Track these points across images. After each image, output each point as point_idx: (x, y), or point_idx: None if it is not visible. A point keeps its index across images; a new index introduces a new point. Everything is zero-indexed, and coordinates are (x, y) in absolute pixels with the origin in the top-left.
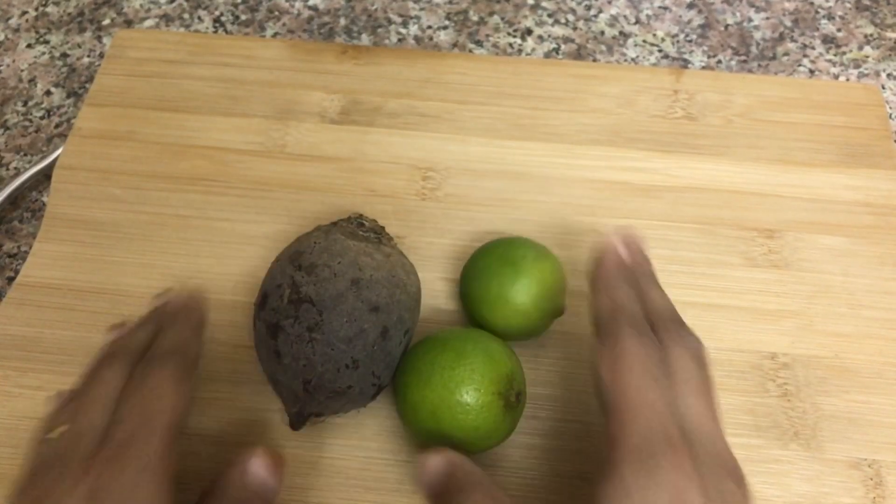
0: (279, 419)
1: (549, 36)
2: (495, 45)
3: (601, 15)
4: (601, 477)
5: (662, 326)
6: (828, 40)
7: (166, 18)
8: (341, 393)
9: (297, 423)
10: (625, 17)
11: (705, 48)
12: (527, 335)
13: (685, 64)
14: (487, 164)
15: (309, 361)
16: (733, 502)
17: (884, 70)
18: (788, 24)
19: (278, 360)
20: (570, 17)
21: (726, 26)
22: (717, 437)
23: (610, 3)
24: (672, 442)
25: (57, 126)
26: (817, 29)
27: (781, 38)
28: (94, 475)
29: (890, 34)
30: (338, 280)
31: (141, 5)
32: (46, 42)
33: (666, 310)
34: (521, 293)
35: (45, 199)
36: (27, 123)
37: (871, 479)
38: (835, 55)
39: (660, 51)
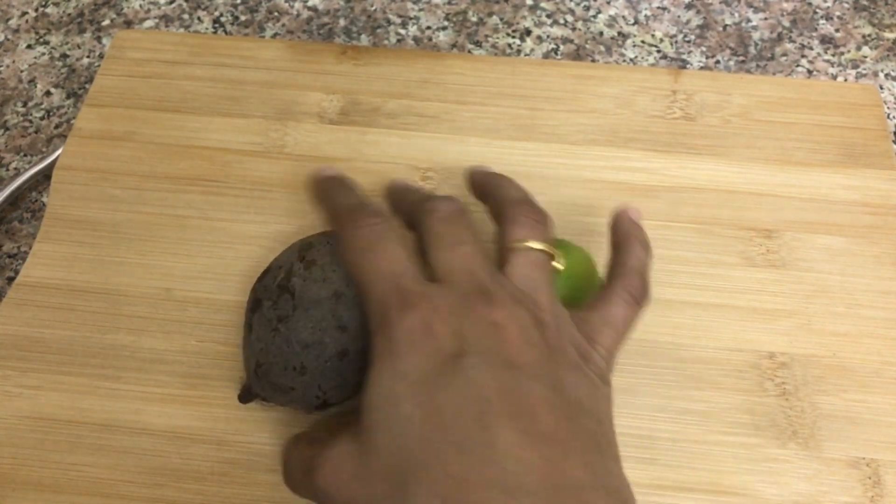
0: (279, 419)
1: (548, 36)
2: (494, 46)
3: (600, 16)
4: None
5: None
6: (826, 41)
7: (166, 19)
8: (284, 390)
9: (243, 397)
10: (623, 17)
11: (703, 49)
12: None
13: (683, 64)
14: (486, 164)
15: (265, 347)
16: (489, 320)
17: (882, 70)
18: (787, 24)
19: (248, 332)
20: (569, 18)
21: (724, 27)
22: (472, 270)
23: (609, 3)
24: (403, 293)
25: (57, 126)
26: (815, 29)
27: (780, 38)
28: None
29: (888, 34)
30: (324, 286)
31: (140, 6)
32: (46, 43)
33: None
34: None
35: (44, 199)
36: (27, 124)
37: (870, 479)
38: (833, 55)
39: (658, 51)
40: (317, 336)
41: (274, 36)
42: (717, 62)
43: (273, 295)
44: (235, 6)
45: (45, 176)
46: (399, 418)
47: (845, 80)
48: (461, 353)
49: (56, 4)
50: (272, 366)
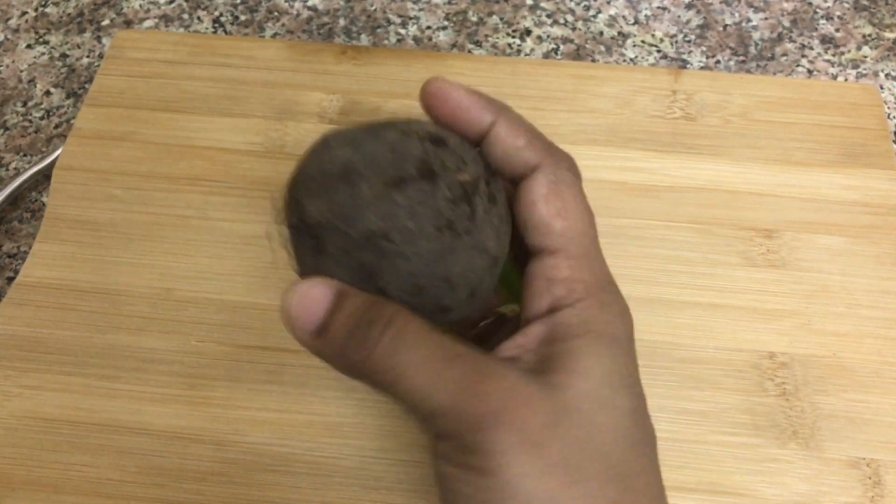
0: (278, 419)
1: (548, 36)
2: (494, 46)
3: (600, 15)
4: None
5: None
6: (826, 40)
7: (166, 19)
8: (443, 309)
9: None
10: (623, 17)
11: (704, 48)
12: None
13: (684, 64)
14: None
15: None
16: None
17: (882, 70)
18: (787, 24)
19: (456, 236)
20: (569, 18)
21: (725, 27)
22: None
23: (609, 3)
24: None
25: (56, 126)
26: (816, 29)
27: (780, 38)
28: None
29: (888, 34)
30: (499, 236)
31: (140, 6)
32: (46, 42)
33: None
34: None
35: (44, 199)
36: (27, 124)
37: (870, 479)
38: (833, 55)
39: (658, 51)
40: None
41: (274, 36)
42: (718, 62)
43: (454, 192)
44: (235, 6)
45: (45, 176)
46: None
47: (846, 80)
48: None
49: (56, 4)
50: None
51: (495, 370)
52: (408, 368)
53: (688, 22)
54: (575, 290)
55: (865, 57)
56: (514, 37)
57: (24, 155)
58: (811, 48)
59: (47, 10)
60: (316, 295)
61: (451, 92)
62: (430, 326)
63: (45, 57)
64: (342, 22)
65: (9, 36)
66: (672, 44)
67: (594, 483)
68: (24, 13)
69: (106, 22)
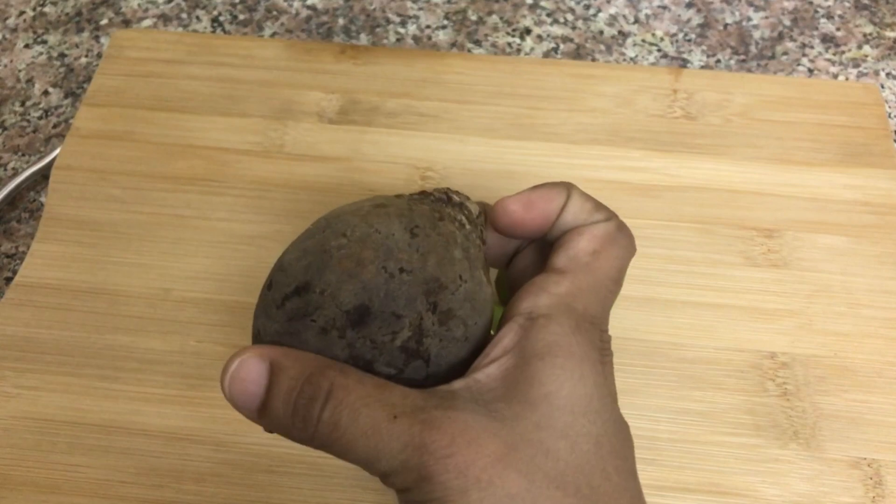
0: None
1: (548, 35)
2: (494, 45)
3: (600, 14)
4: None
5: None
6: (827, 39)
7: (164, 18)
8: None
9: None
10: (624, 16)
11: (704, 47)
12: None
13: (684, 63)
14: (486, 163)
15: None
16: None
17: (883, 69)
18: (787, 23)
19: None
20: (569, 17)
21: (725, 25)
22: None
23: (609, 2)
24: None
25: (55, 126)
26: (816, 28)
27: (780, 37)
28: None
29: (889, 33)
30: (465, 345)
31: (139, 5)
32: (44, 42)
33: None
34: None
35: (42, 199)
36: (25, 123)
37: (871, 479)
38: (834, 54)
39: (659, 50)
40: None
41: (273, 35)
42: (718, 61)
43: (397, 361)
44: (234, 5)
45: (44, 176)
46: None
47: (846, 79)
48: None
49: (54, 3)
50: None
51: (440, 417)
52: (353, 439)
53: (688, 21)
54: (557, 306)
55: (866, 56)
56: (513, 36)
57: (23, 155)
58: (812, 47)
59: (45, 9)
60: (250, 373)
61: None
62: (375, 382)
63: (44, 56)
64: (341, 21)
65: (7, 35)
66: (672, 43)
67: None
68: (23, 12)
69: (104, 21)
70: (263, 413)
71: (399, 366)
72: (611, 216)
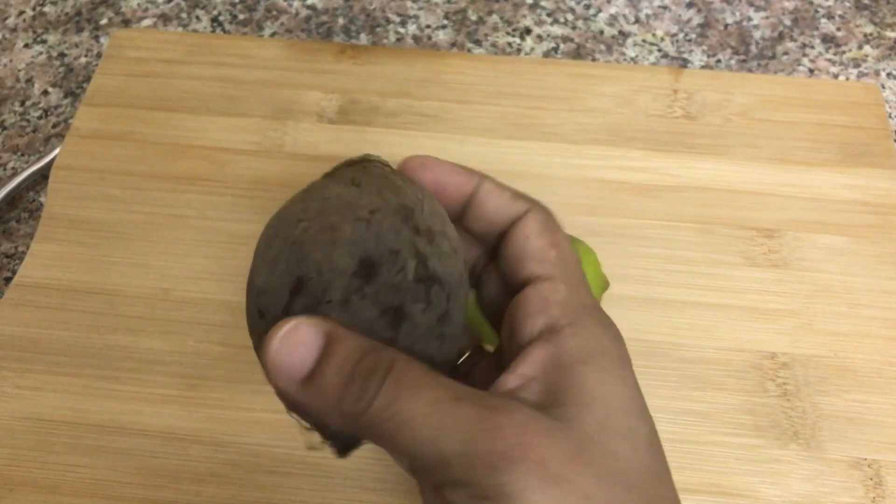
0: (276, 420)
1: (548, 35)
2: (494, 45)
3: (600, 14)
4: None
5: None
6: (827, 39)
7: (164, 18)
8: None
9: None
10: (624, 16)
11: (704, 47)
12: None
13: (684, 63)
14: (486, 163)
15: (433, 364)
16: None
17: (883, 69)
18: (788, 23)
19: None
20: (569, 17)
21: (725, 25)
22: None
23: (609, 2)
24: None
25: (54, 126)
26: (817, 28)
27: (781, 37)
28: None
29: (889, 33)
30: (457, 258)
31: (138, 5)
32: (44, 42)
33: None
34: None
35: (42, 199)
36: (24, 123)
37: (871, 479)
38: (834, 54)
39: (659, 50)
40: (462, 317)
41: (272, 35)
42: (718, 61)
43: (419, 294)
44: (234, 5)
45: (43, 176)
46: None
47: (847, 79)
48: None
49: (54, 3)
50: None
51: (506, 405)
52: (413, 416)
53: (688, 21)
54: (573, 310)
55: (867, 56)
56: (513, 36)
57: (22, 154)
58: (812, 47)
59: (45, 9)
60: (305, 336)
61: (435, 163)
62: (429, 368)
63: (43, 56)
64: (341, 21)
65: (6, 35)
66: (673, 43)
67: None
68: (22, 12)
69: (104, 21)
70: (309, 382)
71: (424, 298)
72: (533, 202)
